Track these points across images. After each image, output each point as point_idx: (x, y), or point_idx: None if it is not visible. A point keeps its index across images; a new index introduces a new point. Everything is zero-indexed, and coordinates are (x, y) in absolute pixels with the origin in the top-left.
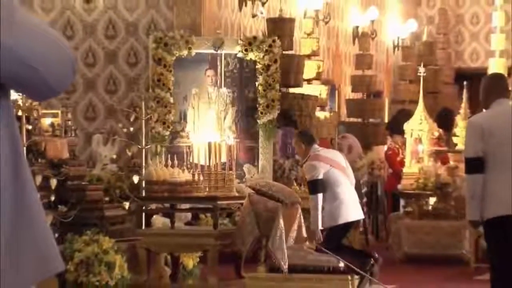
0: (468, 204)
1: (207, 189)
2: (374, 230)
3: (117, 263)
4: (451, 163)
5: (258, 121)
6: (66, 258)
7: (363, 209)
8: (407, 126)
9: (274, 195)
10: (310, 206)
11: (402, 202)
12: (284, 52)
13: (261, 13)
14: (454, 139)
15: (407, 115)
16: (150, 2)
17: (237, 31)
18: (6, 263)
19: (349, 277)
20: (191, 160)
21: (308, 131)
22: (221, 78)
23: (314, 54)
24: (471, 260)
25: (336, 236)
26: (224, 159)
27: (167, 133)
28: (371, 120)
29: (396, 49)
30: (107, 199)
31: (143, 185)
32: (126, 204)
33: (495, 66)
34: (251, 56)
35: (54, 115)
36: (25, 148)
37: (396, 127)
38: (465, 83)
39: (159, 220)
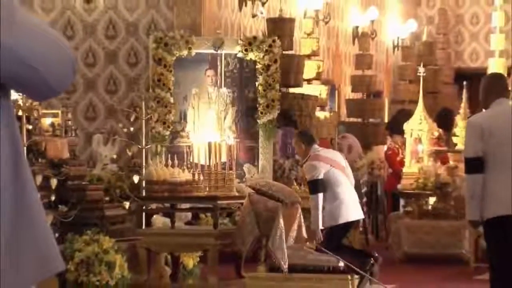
0: (468, 204)
1: (207, 189)
2: (374, 229)
3: (118, 262)
4: (451, 163)
5: (258, 121)
6: (67, 258)
7: (363, 209)
8: (407, 126)
9: (274, 195)
10: (311, 206)
11: (402, 202)
12: (284, 52)
13: (261, 13)
14: (454, 139)
15: (407, 115)
16: (150, 2)
17: (237, 31)
18: (6, 263)
19: (349, 277)
20: (191, 160)
21: (308, 131)
22: (221, 78)
23: (314, 54)
24: (470, 259)
25: (336, 236)
26: (224, 159)
27: (167, 133)
28: (371, 120)
29: (396, 49)
30: (107, 199)
31: (143, 185)
32: (127, 204)
33: (495, 66)
34: (251, 56)
35: (55, 115)
36: (25, 148)
37: (396, 127)
38: (464, 83)
39: (159, 220)
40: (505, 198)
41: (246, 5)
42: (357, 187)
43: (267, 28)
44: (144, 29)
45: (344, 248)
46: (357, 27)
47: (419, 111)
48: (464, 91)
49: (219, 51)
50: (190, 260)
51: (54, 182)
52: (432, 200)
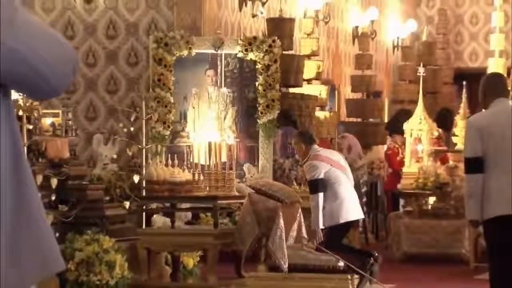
0: (468, 203)
1: (207, 189)
2: (374, 229)
3: (118, 262)
4: (451, 162)
5: (258, 121)
6: (67, 258)
7: (362, 209)
8: (406, 126)
9: (274, 195)
10: (311, 205)
11: (401, 201)
12: (284, 52)
13: (261, 13)
14: (454, 139)
15: (406, 115)
16: (150, 2)
17: (237, 31)
18: (7, 263)
19: (349, 277)
20: (191, 160)
21: (308, 131)
22: (221, 78)
23: (314, 54)
24: (470, 259)
25: (336, 236)
26: (224, 158)
27: (168, 132)
28: (370, 120)
29: (396, 49)
30: (107, 198)
31: (144, 184)
32: (127, 204)
33: (495, 66)
34: (251, 56)
35: (55, 115)
36: (25, 148)
37: (395, 127)
38: (464, 83)
39: (159, 220)
40: (504, 198)
41: (246, 5)
42: (357, 187)
43: (267, 28)
44: (145, 29)
45: (344, 248)
46: (357, 27)
47: (419, 111)
48: (464, 91)
49: (219, 51)
50: (190, 260)
51: (54, 182)
52: (432, 199)
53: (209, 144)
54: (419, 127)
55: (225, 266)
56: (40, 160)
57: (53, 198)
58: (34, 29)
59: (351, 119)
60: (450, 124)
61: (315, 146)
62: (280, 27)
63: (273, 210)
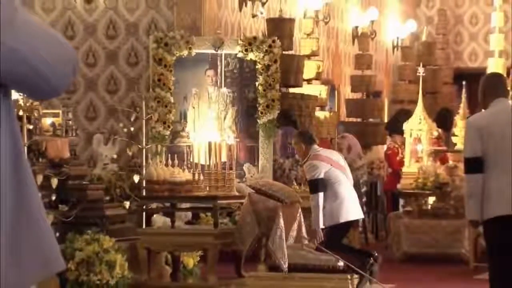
0: (468, 204)
1: (207, 189)
2: (374, 229)
3: (118, 262)
4: (450, 162)
5: (258, 121)
6: (67, 257)
7: (362, 209)
8: (406, 126)
9: (274, 195)
10: (311, 205)
11: (401, 201)
12: (284, 52)
13: (261, 13)
14: (453, 139)
15: (406, 115)
16: (150, 2)
17: (237, 31)
18: (7, 262)
19: (349, 276)
20: (191, 160)
21: (308, 131)
22: (221, 78)
23: (313, 54)
24: (470, 259)
25: (336, 235)
26: (224, 158)
27: (168, 132)
28: (370, 120)
29: (396, 49)
30: (107, 198)
31: (144, 184)
32: (127, 204)
33: (494, 66)
34: (251, 56)
35: (55, 115)
36: (26, 148)
37: (395, 127)
38: (464, 83)
39: (159, 219)
40: (504, 198)
41: (246, 5)
42: (357, 187)
43: (267, 28)
44: (145, 29)
45: (344, 248)
46: (356, 27)
47: (419, 111)
48: (464, 91)
49: (219, 51)
50: (190, 260)
51: (54, 181)
52: (431, 199)
53: (209, 144)
54: (418, 127)
55: (225, 266)
56: (40, 160)
57: (53, 198)
58: (34, 29)
59: (351, 119)
60: (450, 124)
61: (315, 146)
62: (280, 27)
63: (273, 210)
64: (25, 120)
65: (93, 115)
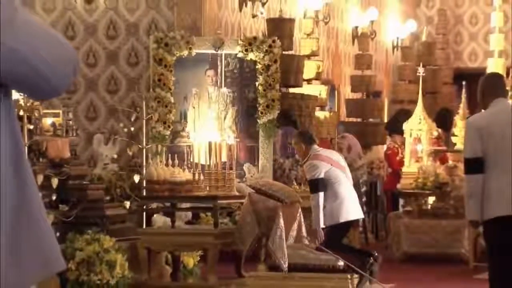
0: (468, 204)
1: (208, 189)
2: (374, 229)
3: (118, 262)
4: (450, 162)
5: (258, 120)
6: (67, 257)
7: (362, 209)
8: (406, 126)
9: (274, 195)
10: (312, 205)
11: (401, 201)
12: (284, 52)
13: (261, 13)
14: (453, 139)
15: (406, 115)
16: (150, 2)
17: (237, 31)
18: (8, 262)
19: (349, 276)
20: (191, 160)
21: (308, 131)
22: (221, 78)
23: (313, 54)
24: (470, 259)
25: (336, 235)
26: (224, 158)
27: (168, 132)
28: (370, 120)
29: (396, 49)
30: (108, 198)
31: (144, 184)
32: (127, 203)
33: (494, 66)
34: (251, 56)
35: (56, 115)
36: (26, 148)
37: (395, 127)
38: (464, 83)
39: (159, 219)
40: (504, 198)
41: (246, 6)
42: (357, 187)
43: (267, 29)
44: (145, 29)
45: (344, 247)
46: (356, 27)
47: (419, 111)
48: (463, 91)
49: (219, 51)
50: (190, 260)
51: (55, 181)
52: (431, 199)
53: (209, 144)
54: (418, 127)
55: (225, 265)
56: (40, 160)
57: (54, 198)
58: (34, 29)
59: (351, 119)
60: (450, 124)
61: (315, 146)
62: (280, 27)
63: (273, 210)
64: (25, 120)
65: (93, 115)
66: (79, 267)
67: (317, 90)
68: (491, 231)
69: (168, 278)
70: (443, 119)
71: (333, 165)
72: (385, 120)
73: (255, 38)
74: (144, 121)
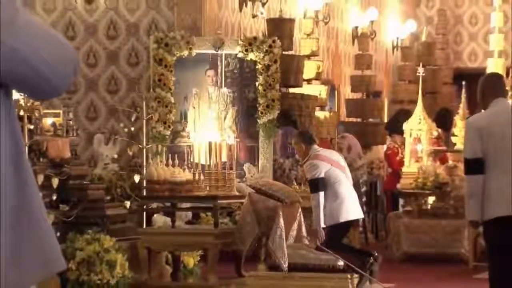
0: (468, 204)
1: (208, 188)
2: (374, 229)
3: (118, 261)
4: (450, 162)
5: (258, 120)
6: (68, 257)
7: (362, 209)
8: (406, 126)
9: (274, 194)
10: (312, 204)
11: (401, 201)
12: (284, 52)
13: (261, 13)
14: (453, 139)
15: (406, 115)
16: (151, 2)
17: (237, 31)
18: (8, 262)
19: (349, 276)
20: (191, 160)
21: (308, 131)
22: (222, 78)
23: (313, 54)
24: (469, 259)
25: (336, 235)
26: (224, 158)
27: (168, 132)
28: (370, 120)
29: (395, 49)
30: (108, 198)
31: (144, 184)
32: (127, 203)
33: (494, 66)
34: (251, 56)
35: (56, 115)
36: (27, 148)
37: (395, 127)
38: (463, 83)
39: (160, 219)
40: (504, 199)
41: (246, 6)
42: (357, 187)
43: (267, 29)
44: (145, 29)
45: (344, 247)
46: (356, 27)
47: (418, 111)
48: (463, 91)
49: (219, 51)
50: (190, 259)
51: (55, 181)
52: (431, 199)
53: (210, 144)
54: (418, 127)
55: (225, 265)
56: (41, 160)
57: (54, 197)
58: (35, 29)
59: (351, 119)
60: (450, 124)
61: (315, 146)
62: (280, 27)
63: (273, 210)
64: (26, 120)
65: (93, 115)
66: (80, 267)
67: (317, 90)
68: (491, 231)
69: (168, 278)
70: (443, 119)
71: (333, 165)
72: (385, 120)
73: (255, 38)
74: (145, 121)
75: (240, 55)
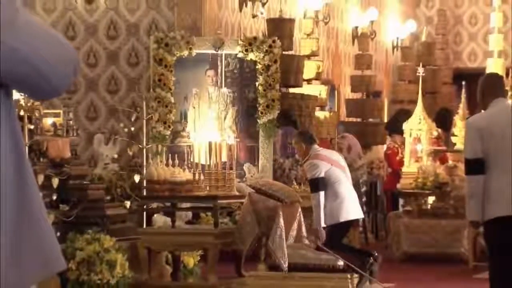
0: (469, 204)
1: (208, 188)
2: (374, 229)
3: (119, 261)
4: (450, 162)
5: (258, 120)
6: (68, 257)
7: (362, 208)
8: (406, 126)
9: (274, 194)
10: (312, 204)
11: (401, 201)
12: (284, 52)
13: (261, 13)
14: (453, 139)
15: (406, 115)
16: (151, 2)
17: (237, 31)
18: (8, 262)
19: (349, 276)
20: (191, 160)
21: (308, 131)
22: (222, 78)
23: (313, 54)
24: (469, 258)
25: (336, 235)
26: (224, 158)
27: (168, 132)
28: (370, 120)
29: (395, 49)
30: (108, 198)
31: (144, 184)
32: (127, 203)
33: (493, 66)
34: (251, 56)
35: (56, 115)
36: (27, 148)
37: (395, 126)
38: (463, 83)
39: (160, 219)
40: (504, 199)
41: (246, 6)
42: (357, 187)
43: (267, 29)
44: (145, 29)
45: (344, 247)
46: (356, 27)
47: (418, 111)
48: (463, 91)
49: (219, 52)
50: (190, 259)
51: (55, 181)
52: (431, 199)
53: (210, 144)
54: (418, 127)
55: (226, 265)
56: (41, 159)
57: (54, 197)
58: (35, 29)
59: (351, 119)
60: (449, 124)
61: (315, 146)
62: (280, 27)
63: (273, 210)
64: (26, 120)
65: (94, 115)
66: (80, 266)
67: (317, 90)
68: (491, 231)
69: (169, 278)
70: (443, 119)
71: (333, 164)
72: (385, 120)
73: (255, 38)
74: (145, 121)
75: (240, 55)
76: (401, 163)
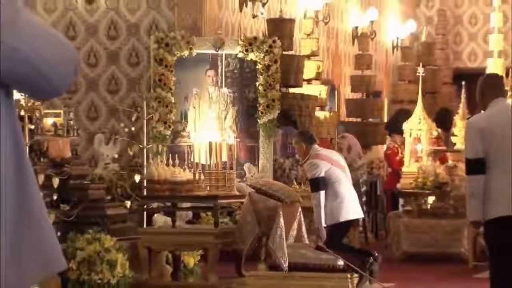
0: (469, 204)
1: (208, 188)
2: (374, 228)
3: (119, 261)
4: (450, 162)
5: (259, 120)
6: (68, 257)
7: (362, 208)
8: (406, 126)
9: (274, 194)
10: (313, 204)
11: (401, 201)
12: (284, 52)
13: (262, 13)
14: (453, 139)
15: (406, 114)
16: (151, 3)
17: (237, 31)
18: (8, 262)
19: (349, 276)
20: (192, 160)
21: (308, 131)
22: (222, 78)
23: (313, 54)
24: (469, 258)
25: (336, 235)
26: (224, 158)
27: (168, 132)
28: (370, 120)
29: (395, 49)
30: (109, 198)
31: (145, 184)
32: (128, 203)
33: (493, 66)
34: (252, 56)
35: (56, 115)
36: (27, 148)
37: (395, 126)
38: (463, 83)
39: (160, 219)
40: (505, 199)
41: (246, 6)
42: (357, 187)
43: (267, 29)
44: (145, 29)
45: (344, 247)
46: (356, 27)
47: (418, 111)
48: (463, 91)
49: (219, 52)
50: (191, 259)
51: (56, 181)
52: (431, 199)
53: (210, 144)
54: (418, 127)
55: (226, 265)
56: (42, 159)
57: (55, 197)
58: (36, 29)
59: (350, 119)
60: (449, 124)
61: (316, 146)
62: (280, 27)
63: (273, 209)
64: (26, 120)
65: (94, 115)
66: (80, 266)
67: (317, 90)
68: (491, 231)
69: (169, 278)
70: (443, 119)
71: (333, 164)
72: (385, 120)
73: (255, 38)
74: (145, 121)
75: (240, 55)
76: (401, 163)
